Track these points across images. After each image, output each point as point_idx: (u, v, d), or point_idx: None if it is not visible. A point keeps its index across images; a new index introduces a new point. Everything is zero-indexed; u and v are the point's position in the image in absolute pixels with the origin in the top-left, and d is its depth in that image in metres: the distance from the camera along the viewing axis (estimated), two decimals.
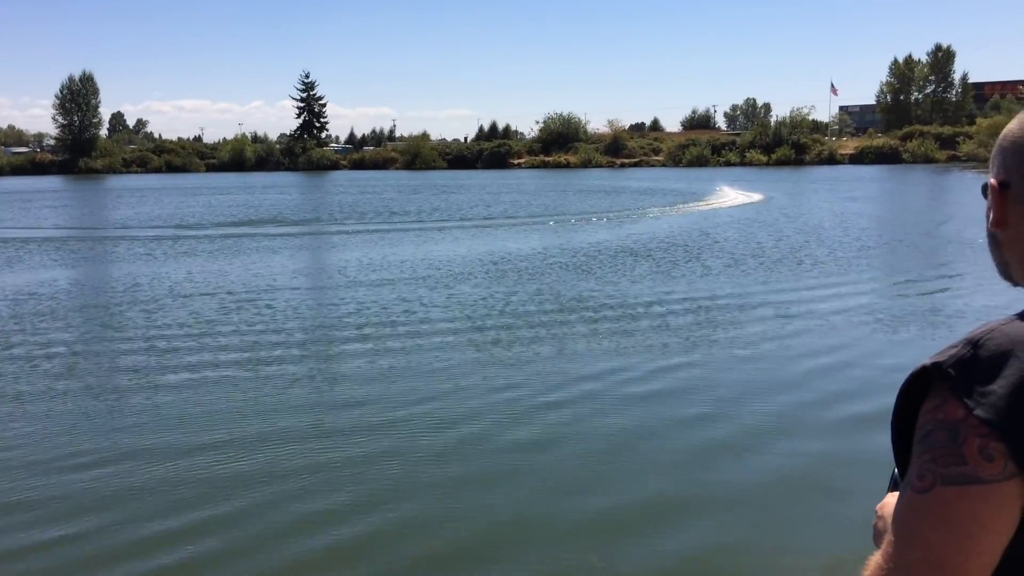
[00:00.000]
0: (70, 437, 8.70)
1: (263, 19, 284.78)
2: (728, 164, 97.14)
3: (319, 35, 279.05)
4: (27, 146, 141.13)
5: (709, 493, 7.11)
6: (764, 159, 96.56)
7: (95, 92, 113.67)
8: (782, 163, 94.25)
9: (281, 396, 9.98)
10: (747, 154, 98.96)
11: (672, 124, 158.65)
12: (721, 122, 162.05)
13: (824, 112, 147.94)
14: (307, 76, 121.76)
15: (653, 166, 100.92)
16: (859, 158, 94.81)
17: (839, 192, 48.40)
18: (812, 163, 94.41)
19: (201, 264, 22.23)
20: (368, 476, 7.53)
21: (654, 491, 7.14)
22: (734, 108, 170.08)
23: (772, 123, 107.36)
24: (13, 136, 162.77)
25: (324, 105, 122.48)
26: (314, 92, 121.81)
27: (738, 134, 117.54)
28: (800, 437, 8.34)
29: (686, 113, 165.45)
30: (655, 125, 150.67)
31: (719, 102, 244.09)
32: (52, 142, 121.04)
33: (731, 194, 48.22)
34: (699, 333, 12.85)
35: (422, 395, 9.94)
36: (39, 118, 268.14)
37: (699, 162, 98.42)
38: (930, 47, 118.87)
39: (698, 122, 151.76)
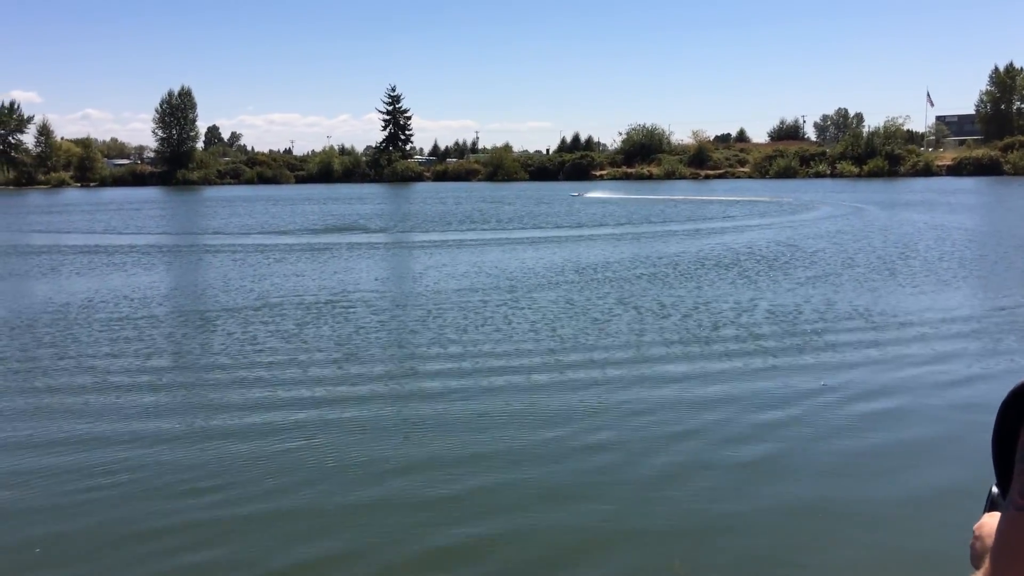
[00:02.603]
0: (203, 468, 8.80)
1: (350, 35, 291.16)
2: (818, 175, 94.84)
3: (404, 50, 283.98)
4: (128, 158, 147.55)
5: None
6: (856, 170, 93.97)
7: (192, 106, 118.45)
8: (875, 175, 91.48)
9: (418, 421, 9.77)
10: (838, 165, 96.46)
11: (759, 135, 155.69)
12: (811, 132, 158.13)
13: (920, 122, 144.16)
14: (393, 90, 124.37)
15: (739, 177, 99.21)
16: (957, 170, 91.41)
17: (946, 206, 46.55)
18: (907, 175, 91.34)
19: (296, 270, 22.75)
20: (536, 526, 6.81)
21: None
22: (824, 118, 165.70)
23: (864, 133, 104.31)
24: (115, 149, 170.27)
25: (409, 118, 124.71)
26: (399, 105, 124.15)
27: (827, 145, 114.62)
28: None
29: (774, 123, 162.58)
30: (741, 136, 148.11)
31: (808, 112, 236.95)
32: (152, 154, 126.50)
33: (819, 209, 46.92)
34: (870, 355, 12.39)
35: (577, 422, 9.56)
36: (139, 131, 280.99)
37: (787, 173, 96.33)
38: None
39: (786, 132, 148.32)
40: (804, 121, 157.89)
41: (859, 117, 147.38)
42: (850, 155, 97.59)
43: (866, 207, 45.54)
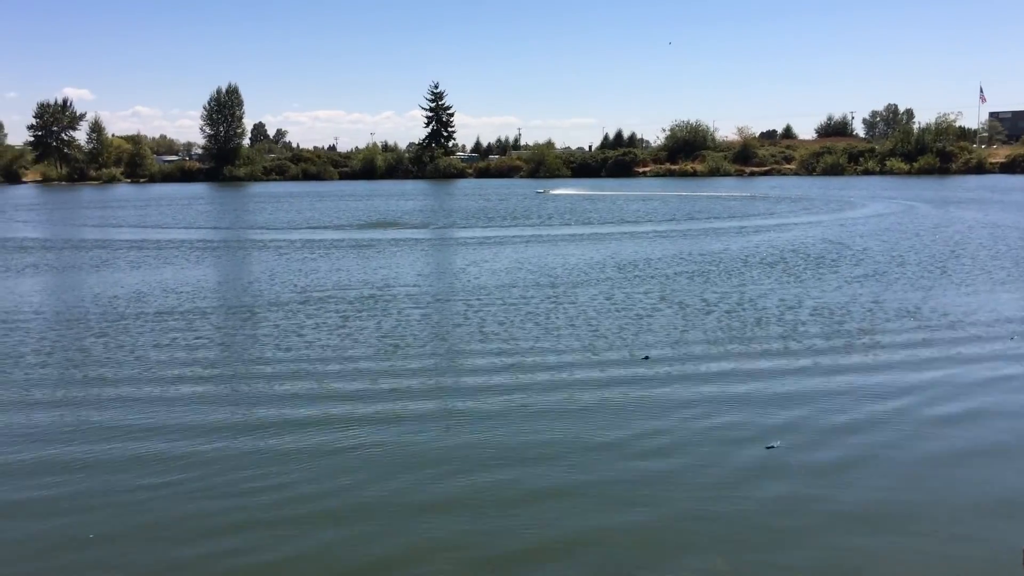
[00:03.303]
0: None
1: (394, 32, 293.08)
2: (866, 172, 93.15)
3: (447, 47, 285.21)
4: (176, 155, 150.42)
5: None
6: (905, 168, 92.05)
7: (239, 103, 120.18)
8: (925, 172, 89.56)
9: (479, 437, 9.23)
10: (887, 162, 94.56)
11: (806, 131, 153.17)
12: (859, 129, 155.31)
13: (972, 118, 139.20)
14: (436, 86, 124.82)
15: (784, 175, 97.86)
16: (1011, 167, 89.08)
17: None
18: (959, 172, 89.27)
19: (340, 265, 22.95)
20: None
21: None
22: (873, 115, 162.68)
23: (915, 130, 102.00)
24: (164, 145, 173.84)
25: (452, 115, 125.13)
26: (442, 102, 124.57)
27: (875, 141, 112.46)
28: None
29: (821, 120, 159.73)
30: (787, 132, 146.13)
31: (857, 108, 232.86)
32: (200, 151, 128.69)
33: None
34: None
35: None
36: (188, 128, 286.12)
37: (834, 171, 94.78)
38: None
39: (834, 129, 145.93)
40: (853, 117, 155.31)
41: (909, 113, 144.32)
42: (900, 152, 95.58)
43: (917, 205, 44.61)
